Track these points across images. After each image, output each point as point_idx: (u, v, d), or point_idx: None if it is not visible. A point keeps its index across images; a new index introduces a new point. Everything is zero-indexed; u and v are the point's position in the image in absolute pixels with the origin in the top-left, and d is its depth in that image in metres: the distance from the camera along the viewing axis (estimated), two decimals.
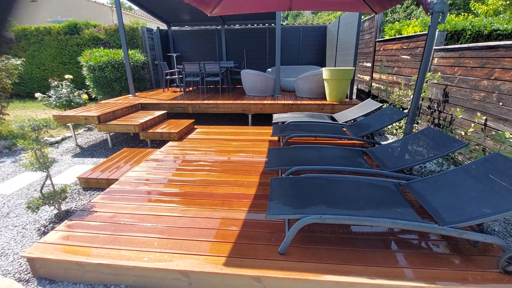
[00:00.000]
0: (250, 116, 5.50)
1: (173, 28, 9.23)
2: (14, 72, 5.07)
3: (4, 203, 3.05)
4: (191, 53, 9.32)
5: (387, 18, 12.98)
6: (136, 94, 6.79)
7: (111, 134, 4.95)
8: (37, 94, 5.74)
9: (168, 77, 7.55)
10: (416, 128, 4.57)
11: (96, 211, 2.37)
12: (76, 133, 5.14)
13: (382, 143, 3.35)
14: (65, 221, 2.23)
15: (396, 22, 6.33)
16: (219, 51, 9.21)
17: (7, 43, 8.94)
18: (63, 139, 5.21)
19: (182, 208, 2.39)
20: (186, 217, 2.25)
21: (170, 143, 4.24)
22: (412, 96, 2.99)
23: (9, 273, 2.05)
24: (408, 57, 4.94)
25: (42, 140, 2.48)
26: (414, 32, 5.30)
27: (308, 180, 2.20)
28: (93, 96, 7.31)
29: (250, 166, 3.26)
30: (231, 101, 5.57)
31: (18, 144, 4.42)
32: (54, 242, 1.99)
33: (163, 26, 9.37)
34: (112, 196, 2.63)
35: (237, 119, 6.55)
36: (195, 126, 5.25)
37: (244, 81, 6.49)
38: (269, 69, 7.94)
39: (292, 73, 8.07)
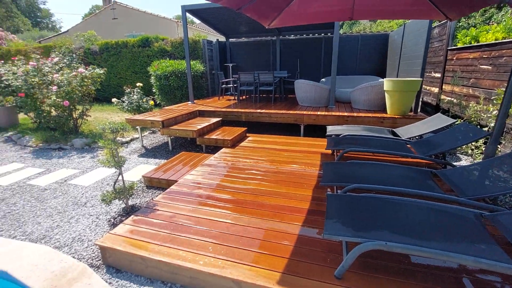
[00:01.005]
0: (302, 127, 5.42)
1: (230, 40, 9.73)
2: (97, 80, 5.89)
3: (83, 194, 3.51)
4: (245, 63, 9.67)
5: (460, 24, 11.69)
6: (195, 101, 7.27)
7: (171, 137, 5.36)
8: (114, 100, 6.57)
9: (223, 86, 7.93)
10: (499, 150, 3.94)
11: (157, 210, 2.56)
12: (142, 135, 5.70)
13: (455, 164, 2.96)
14: (132, 216, 2.46)
15: (472, 28, 5.62)
16: (273, 61, 9.36)
17: (92, 55, 10.49)
18: (131, 140, 5.83)
19: (235, 215, 2.43)
20: (239, 225, 2.28)
21: (223, 150, 4.40)
22: (496, 113, 2.59)
23: (83, 257, 2.32)
24: (489, 67, 4.33)
25: (117, 141, 2.80)
26: (495, 39, 4.63)
27: (370, 200, 2.04)
28: (158, 102, 8.05)
29: (302, 179, 3.19)
30: (283, 111, 5.57)
31: (99, 143, 5.07)
32: (122, 234, 2.19)
33: (222, 38, 9.93)
34: (171, 197, 2.81)
35: (288, 129, 6.51)
36: (247, 134, 5.37)
37: (297, 91, 6.45)
38: (323, 79, 7.77)
39: (348, 84, 7.75)
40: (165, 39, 9.97)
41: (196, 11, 6.90)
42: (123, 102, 6.71)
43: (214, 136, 4.85)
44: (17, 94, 5.67)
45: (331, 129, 4.35)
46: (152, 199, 3.27)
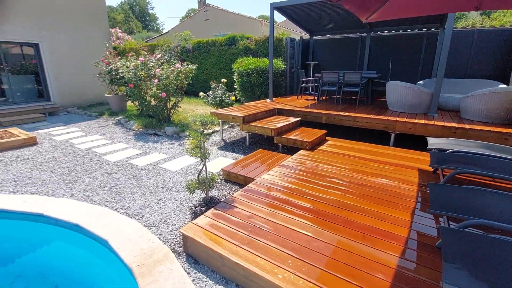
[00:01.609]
0: (392, 136, 4.75)
1: (314, 37, 9.35)
2: (189, 75, 6.44)
3: (170, 178, 3.84)
4: (328, 62, 9.15)
5: None
6: (273, 99, 7.25)
7: (249, 133, 5.44)
8: (201, 94, 7.11)
9: (303, 85, 7.68)
10: None
11: (236, 207, 2.54)
12: (222, 128, 5.98)
13: None
14: (212, 209, 2.50)
15: None
16: (360, 60, 8.58)
17: (186, 52, 11.63)
18: (213, 132, 6.19)
19: (316, 228, 2.20)
20: (321, 240, 2.04)
21: (301, 152, 4.19)
22: None
23: (167, 241, 2.47)
24: None
25: (205, 133, 2.90)
26: None
27: (504, 246, 1.52)
28: (237, 98, 8.37)
29: (395, 197, 2.72)
30: (371, 116, 4.98)
31: (186, 133, 5.54)
32: (203, 226, 2.23)
33: (305, 36, 9.64)
34: (249, 195, 2.77)
35: (372, 136, 5.84)
36: (327, 138, 5.02)
37: (389, 94, 5.71)
38: (421, 82, 6.68)
39: (455, 88, 6.47)
40: (250, 37, 10.29)
41: (284, 8, 6.81)
42: (208, 96, 7.18)
43: (292, 136, 4.68)
44: (127, 85, 6.67)
45: (434, 142, 3.63)
46: (230, 194, 3.31)
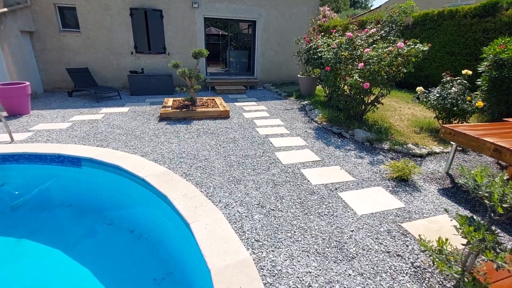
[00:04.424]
0: None
1: None
2: (411, 60, 4.32)
3: (351, 231, 2.36)
4: None
5: None
6: None
7: None
8: (419, 88, 4.81)
9: None
10: None
11: None
12: (450, 153, 3.64)
13: None
14: None
15: None
16: None
17: (404, 29, 8.96)
18: (428, 154, 3.95)
19: None
20: None
21: None
22: None
23: None
24: None
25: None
26: None
27: None
28: (484, 105, 5.20)
29: None
30: None
31: (383, 145, 3.03)
32: None
33: None
34: None
35: None
36: None
37: None
38: None
39: None
40: None
41: None
42: (429, 93, 4.78)
43: None
44: (323, 66, 5.56)
45: None
46: None
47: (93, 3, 7.71)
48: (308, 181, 3.15)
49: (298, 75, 7.70)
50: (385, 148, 4.09)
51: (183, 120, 5.42)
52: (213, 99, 6.74)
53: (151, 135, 4.54)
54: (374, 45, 4.65)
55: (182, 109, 5.62)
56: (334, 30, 6.37)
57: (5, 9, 6.18)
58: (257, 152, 3.96)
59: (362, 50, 4.69)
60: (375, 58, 4.24)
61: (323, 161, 3.71)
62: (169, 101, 6.38)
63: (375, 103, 4.88)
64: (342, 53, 4.78)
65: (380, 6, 19.89)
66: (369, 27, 5.44)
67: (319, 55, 5.94)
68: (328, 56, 4.95)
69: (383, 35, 4.90)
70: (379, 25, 5.16)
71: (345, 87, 5.17)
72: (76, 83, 7.48)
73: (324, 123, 5.25)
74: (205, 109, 5.73)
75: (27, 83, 5.55)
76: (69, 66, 7.86)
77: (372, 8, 24.30)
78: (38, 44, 7.62)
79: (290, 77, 10.37)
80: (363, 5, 45.76)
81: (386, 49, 4.16)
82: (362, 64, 4.34)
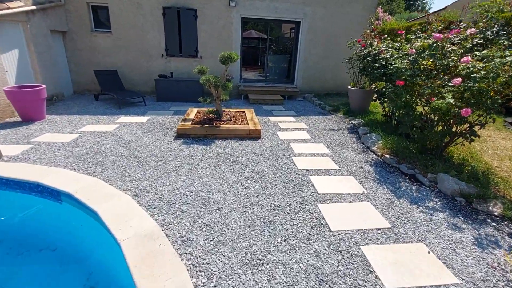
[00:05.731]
0: None
1: None
2: None
3: None
4: None
5: None
6: None
7: None
8: None
9: None
10: None
11: None
12: None
13: None
14: None
15: None
16: None
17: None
18: None
19: None
20: None
21: None
22: None
23: None
24: None
25: None
26: None
27: None
28: None
29: None
30: None
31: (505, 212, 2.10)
32: None
33: None
34: None
35: None
36: None
37: None
38: None
39: None
40: None
41: None
42: None
43: None
44: (388, 79, 4.17)
45: None
46: None
47: (125, 2, 7.20)
48: (377, 276, 1.87)
49: (349, 87, 6.30)
50: (495, 213, 2.60)
51: (203, 139, 4.43)
52: (243, 112, 5.68)
53: (158, 159, 3.60)
54: (475, 52, 3.16)
55: (204, 125, 4.63)
56: (403, 32, 4.91)
57: (34, 7, 5.83)
58: (293, 201, 2.75)
59: (456, 58, 3.23)
60: (483, 72, 2.78)
61: (395, 229, 2.37)
62: (192, 112, 5.47)
63: (468, 135, 3.35)
64: (425, 62, 3.37)
65: (446, 7, 17.29)
66: (462, 26, 3.90)
67: (383, 63, 4.53)
68: (402, 66, 3.56)
69: (489, 37, 3.36)
70: (481, 24, 3.61)
71: (421, 109, 3.73)
72: (103, 86, 7.00)
73: (387, 155, 3.84)
74: (231, 125, 4.68)
75: (43, 86, 5.03)
76: (99, 67, 7.45)
77: (430, 11, 21.46)
78: (70, 44, 7.32)
79: (336, 87, 8.93)
80: (419, 7, 41.71)
81: (506, 60, 2.67)
82: (459, 79, 2.89)
